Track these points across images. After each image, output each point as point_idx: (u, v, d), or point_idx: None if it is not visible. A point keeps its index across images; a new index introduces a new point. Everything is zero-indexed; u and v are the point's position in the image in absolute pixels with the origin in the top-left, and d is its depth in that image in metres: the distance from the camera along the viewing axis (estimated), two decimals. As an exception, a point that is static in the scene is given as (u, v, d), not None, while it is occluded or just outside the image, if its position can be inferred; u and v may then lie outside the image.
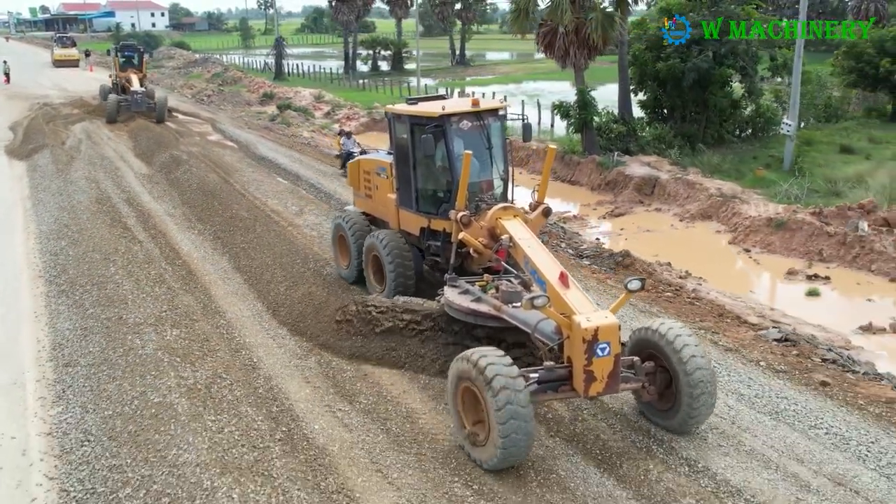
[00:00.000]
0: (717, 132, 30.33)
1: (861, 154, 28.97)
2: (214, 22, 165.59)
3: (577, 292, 8.30)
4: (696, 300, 13.96)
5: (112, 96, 32.73)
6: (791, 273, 17.81)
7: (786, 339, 12.23)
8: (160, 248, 15.18)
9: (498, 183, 11.11)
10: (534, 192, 11.07)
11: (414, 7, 68.48)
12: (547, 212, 10.88)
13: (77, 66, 62.57)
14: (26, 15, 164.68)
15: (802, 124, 35.82)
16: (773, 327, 12.83)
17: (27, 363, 10.30)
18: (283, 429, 8.51)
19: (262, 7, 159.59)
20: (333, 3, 66.53)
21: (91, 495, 7.37)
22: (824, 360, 11.67)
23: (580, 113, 27.11)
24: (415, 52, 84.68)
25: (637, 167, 25.60)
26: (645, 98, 31.35)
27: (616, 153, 26.81)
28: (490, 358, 7.66)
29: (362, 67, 73.50)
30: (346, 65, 69.34)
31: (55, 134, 28.28)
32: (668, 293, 14.15)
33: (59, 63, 62.82)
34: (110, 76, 37.39)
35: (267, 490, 7.31)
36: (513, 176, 11.16)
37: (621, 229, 21.57)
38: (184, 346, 10.50)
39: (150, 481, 7.43)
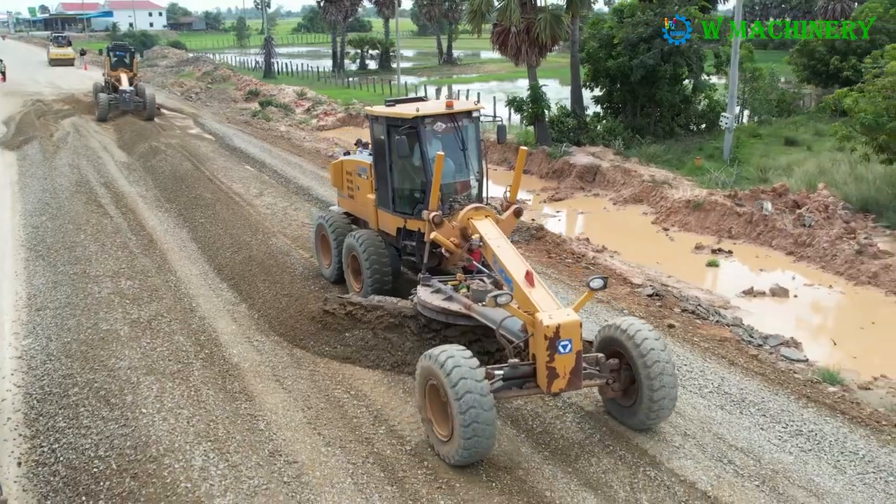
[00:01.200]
0: (669, 125, 32.35)
1: (803, 146, 30.95)
2: (212, 21, 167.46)
3: (542, 291, 8.48)
4: (593, 265, 16.02)
5: (102, 95, 33.98)
6: (699, 247, 19.87)
7: (655, 294, 14.31)
8: (128, 221, 17.29)
9: (473, 183, 11.22)
10: (506, 192, 11.27)
11: (399, 7, 70.47)
12: (518, 212, 11.05)
13: (72, 64, 64.70)
14: (26, 15, 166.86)
15: (756, 118, 38.01)
16: (651, 286, 14.91)
17: (6, 309, 12.39)
18: (206, 351, 10.63)
19: (259, 7, 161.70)
20: (322, 4, 68.69)
21: (48, 395, 9.47)
22: (684, 311, 13.75)
23: (532, 107, 29.16)
24: (403, 52, 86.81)
25: (582, 157, 27.66)
26: (601, 94, 33.37)
27: (565, 144, 28.85)
28: (453, 356, 7.76)
29: (352, 66, 75.54)
30: (334, 63, 71.47)
31: (45, 127, 30.39)
32: (569, 260, 16.22)
33: (54, 62, 64.97)
34: (103, 75, 39.21)
35: (182, 388, 9.45)
36: (487, 176, 11.30)
37: (557, 211, 23.67)
38: (135, 293, 12.64)
39: (93, 382, 9.59)
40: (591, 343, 9.15)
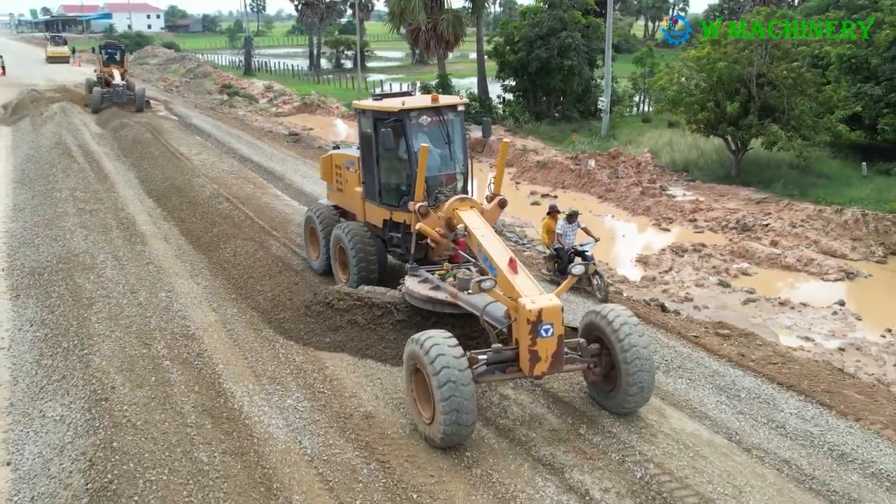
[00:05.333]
0: (569, 110, 38.34)
1: (680, 128, 36.80)
2: (208, 24, 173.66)
3: (525, 277, 8.68)
4: (426, 196, 21.98)
5: (96, 89, 37.76)
6: (532, 193, 25.87)
7: (454, 210, 20.26)
8: (90, 165, 23.37)
9: (459, 176, 11.35)
10: (490, 184, 11.44)
11: (373, 10, 76.61)
12: (502, 203, 11.17)
13: (68, 62, 70.89)
14: (28, 16, 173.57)
15: (656, 106, 43.92)
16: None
17: (-1, 212, 18.52)
18: (124, 225, 16.74)
19: (254, 10, 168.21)
20: (299, 7, 74.90)
21: (22, 244, 15.51)
22: (468, 219, 19.72)
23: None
24: (377, 52, 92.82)
25: (476, 132, 33.62)
26: (513, 83, 39.30)
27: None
28: (435, 339, 7.99)
29: (328, 65, 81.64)
30: (310, 62, 77.76)
31: (36, 108, 36.45)
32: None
33: (51, 59, 71.20)
34: (95, 71, 44.24)
35: (102, 236, 15.58)
36: (472, 169, 11.58)
37: (440, 171, 29.68)
38: (84, 199, 18.76)
39: (49, 234, 15.76)
40: (575, 329, 9.56)
